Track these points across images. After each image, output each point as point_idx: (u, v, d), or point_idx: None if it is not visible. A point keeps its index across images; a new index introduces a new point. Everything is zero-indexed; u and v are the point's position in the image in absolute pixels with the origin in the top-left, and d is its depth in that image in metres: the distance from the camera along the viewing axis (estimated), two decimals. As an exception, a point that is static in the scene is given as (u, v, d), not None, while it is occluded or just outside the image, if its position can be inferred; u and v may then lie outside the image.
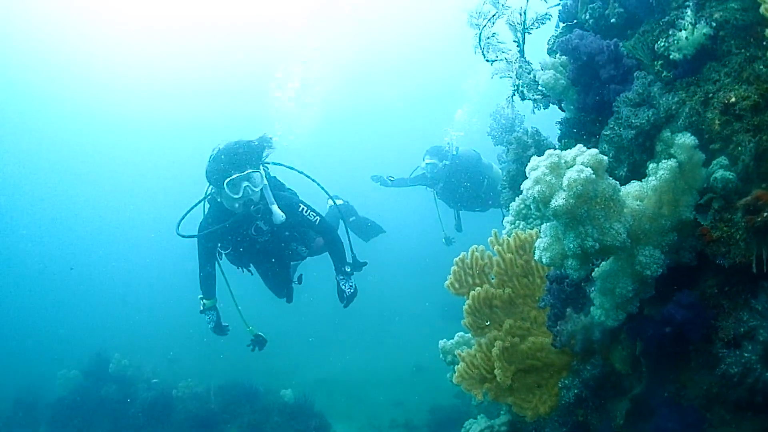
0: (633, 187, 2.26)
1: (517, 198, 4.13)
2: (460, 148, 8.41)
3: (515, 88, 3.41)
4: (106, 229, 35.37)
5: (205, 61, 31.29)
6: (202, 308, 5.79)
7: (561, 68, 3.10)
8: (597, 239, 2.02)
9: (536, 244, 2.18)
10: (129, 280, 28.41)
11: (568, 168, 2.02)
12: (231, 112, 31.46)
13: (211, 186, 5.34)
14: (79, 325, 21.38)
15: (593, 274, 2.35)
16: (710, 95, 2.41)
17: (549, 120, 3.56)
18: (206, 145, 5.41)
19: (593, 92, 2.89)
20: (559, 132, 3.41)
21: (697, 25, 2.51)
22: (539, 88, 3.25)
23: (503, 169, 8.31)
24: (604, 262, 2.32)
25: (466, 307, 3.04)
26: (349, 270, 5.74)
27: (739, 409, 2.19)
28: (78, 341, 15.90)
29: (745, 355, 1.96)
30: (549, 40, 3.58)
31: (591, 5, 3.20)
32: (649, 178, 2.21)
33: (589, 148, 2.11)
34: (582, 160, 2.02)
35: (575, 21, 3.39)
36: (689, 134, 2.22)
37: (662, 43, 2.69)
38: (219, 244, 5.59)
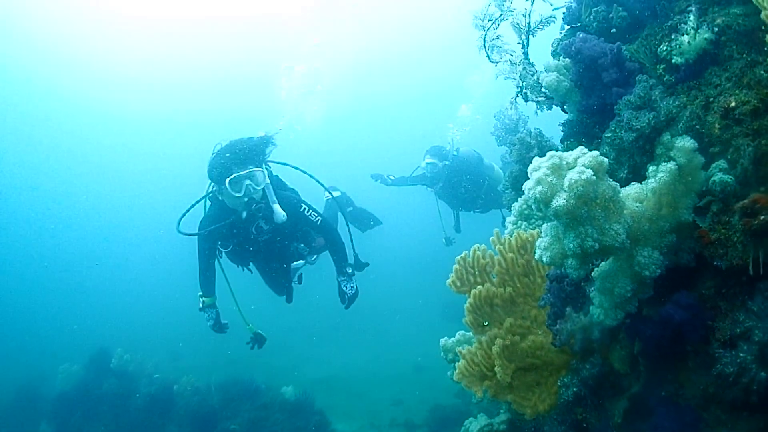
0: (633, 189, 2.29)
1: (519, 198, 4.17)
2: (462, 148, 8.42)
3: (519, 89, 3.44)
4: (111, 226, 35.47)
5: (209, 57, 31.26)
6: (201, 306, 5.79)
7: (564, 71, 3.14)
8: (597, 239, 2.06)
9: (537, 244, 2.21)
10: (132, 277, 28.52)
11: (570, 169, 2.06)
12: (236, 107, 31.52)
13: (212, 184, 5.33)
14: (82, 322, 21.47)
15: (593, 273, 2.38)
16: (711, 99, 2.45)
17: (553, 121, 3.59)
18: (211, 141, 5.43)
19: (596, 95, 2.93)
20: (562, 133, 3.45)
21: (699, 30, 2.54)
22: (542, 90, 3.29)
23: (504, 168, 8.37)
24: (603, 263, 2.36)
25: (467, 305, 3.09)
26: (350, 271, 5.75)
27: (735, 409, 2.22)
28: (80, 337, 15.99)
29: (741, 355, 1.99)
30: (553, 43, 3.61)
31: (595, 8, 3.23)
32: (649, 181, 2.25)
33: (591, 150, 2.14)
34: (583, 162, 2.05)
35: (579, 24, 3.42)
36: (689, 138, 2.25)
37: (664, 47, 2.72)
38: (219, 243, 5.59)
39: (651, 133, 2.35)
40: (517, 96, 3.46)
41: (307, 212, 5.56)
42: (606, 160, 2.10)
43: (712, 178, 2.20)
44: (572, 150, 2.16)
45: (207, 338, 6.06)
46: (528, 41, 3.42)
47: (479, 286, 3.11)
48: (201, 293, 5.76)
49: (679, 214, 2.23)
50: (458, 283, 3.30)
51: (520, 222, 4.04)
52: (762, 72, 2.35)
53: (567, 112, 3.37)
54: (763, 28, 2.27)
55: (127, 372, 10.92)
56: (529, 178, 2.10)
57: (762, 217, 1.93)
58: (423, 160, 8.32)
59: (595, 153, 2.08)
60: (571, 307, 2.68)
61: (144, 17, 27.99)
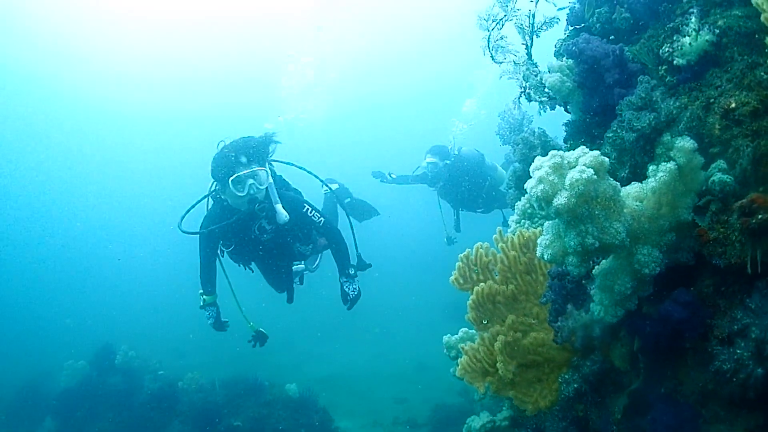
0: (633, 188, 2.33)
1: (522, 197, 4.20)
2: (463, 148, 8.40)
3: (522, 89, 3.48)
4: (116, 222, 35.58)
5: (211, 54, 31.06)
6: (202, 304, 5.79)
7: (567, 71, 3.18)
8: (597, 237, 2.10)
9: (538, 241, 2.25)
10: (137, 274, 28.61)
11: (571, 168, 2.10)
12: (239, 104, 31.48)
13: (215, 183, 5.32)
14: (86, 318, 21.56)
15: (593, 271, 2.42)
16: (711, 100, 2.48)
17: (557, 121, 3.63)
18: (216, 137, 5.43)
19: (598, 95, 2.96)
20: (565, 133, 3.49)
21: (701, 32, 2.57)
22: (546, 90, 3.33)
23: (505, 166, 8.37)
24: (604, 261, 2.39)
25: (470, 302, 3.13)
26: (353, 272, 5.74)
27: (733, 406, 2.25)
28: (85, 334, 16.04)
29: (738, 351, 2.03)
30: (556, 44, 3.65)
31: (598, 10, 3.27)
32: (649, 180, 2.29)
33: (593, 149, 2.18)
34: (584, 161, 2.09)
35: (583, 25, 3.46)
36: (688, 138, 2.29)
37: (666, 49, 2.75)
38: (221, 242, 5.58)
39: (651, 134, 2.38)
40: (521, 96, 3.50)
41: (310, 213, 5.55)
42: (607, 159, 2.14)
43: (712, 178, 2.24)
44: (575, 150, 2.20)
45: (211, 335, 6.08)
46: (532, 42, 3.45)
47: (482, 284, 3.15)
48: (202, 291, 5.77)
49: (678, 213, 2.27)
50: (461, 281, 3.34)
51: (523, 221, 4.07)
52: (762, 74, 2.38)
53: (570, 113, 3.41)
54: (763, 30, 2.30)
55: (131, 368, 10.99)
56: (531, 177, 2.14)
57: (760, 216, 1.96)
58: (424, 159, 8.30)
59: (596, 153, 2.12)
60: (572, 304, 2.72)
61: (144, 13, 27.74)
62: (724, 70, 2.55)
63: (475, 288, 3.14)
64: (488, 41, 3.50)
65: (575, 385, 2.89)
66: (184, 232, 5.32)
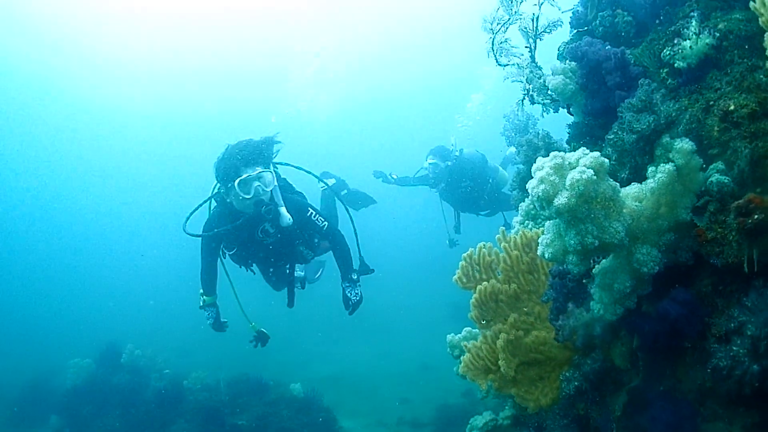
0: (633, 189, 2.38)
1: (526, 198, 4.24)
2: (465, 149, 8.35)
3: (526, 92, 3.53)
4: (122, 222, 35.67)
5: (213, 51, 30.79)
6: (202, 304, 5.80)
7: (570, 74, 3.22)
8: (597, 237, 2.14)
9: (539, 240, 2.30)
10: (143, 273, 28.67)
11: (572, 169, 2.15)
12: (245, 96, 31.37)
13: (219, 185, 5.30)
14: (93, 317, 21.65)
15: (593, 270, 2.47)
16: (711, 103, 2.52)
17: (561, 123, 3.67)
18: (224, 132, 5.42)
19: (600, 98, 3.01)
20: (568, 135, 3.53)
21: (701, 35, 2.61)
22: (549, 92, 3.37)
23: (502, 165, 8.35)
24: (604, 260, 2.44)
25: (473, 300, 3.17)
26: (355, 277, 5.72)
27: (730, 403, 2.29)
28: (91, 332, 16.11)
29: (734, 348, 2.07)
30: (560, 46, 3.69)
31: (601, 13, 3.31)
32: (648, 181, 2.33)
33: (595, 151, 2.23)
34: (584, 162, 2.14)
35: (586, 28, 3.50)
36: (687, 140, 2.33)
37: (668, 52, 2.79)
38: (223, 244, 5.57)
39: (651, 135, 2.43)
40: (524, 98, 3.54)
41: (314, 217, 5.55)
42: (606, 160, 2.18)
43: (710, 179, 2.28)
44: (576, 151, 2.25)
45: (216, 335, 6.10)
46: (535, 45, 3.50)
47: (485, 283, 3.20)
48: (202, 291, 5.78)
49: (677, 213, 2.31)
50: (464, 280, 3.39)
51: (527, 222, 4.10)
52: (762, 76, 2.42)
53: (573, 115, 3.45)
54: (763, 33, 2.33)
55: (137, 367, 11.04)
56: (532, 177, 2.19)
57: (756, 217, 2.00)
58: (425, 160, 8.27)
59: (596, 154, 2.17)
60: (573, 302, 2.76)
61: (145, 10, 27.33)
62: (724, 73, 2.59)
63: (478, 287, 3.19)
64: (492, 44, 3.55)
65: (576, 383, 2.94)
66: (189, 234, 5.32)
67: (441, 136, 8.55)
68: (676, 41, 2.76)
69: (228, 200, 5.27)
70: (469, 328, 4.12)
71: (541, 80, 3.43)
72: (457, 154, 8.20)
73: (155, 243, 31.33)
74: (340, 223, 6.65)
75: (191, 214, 5.44)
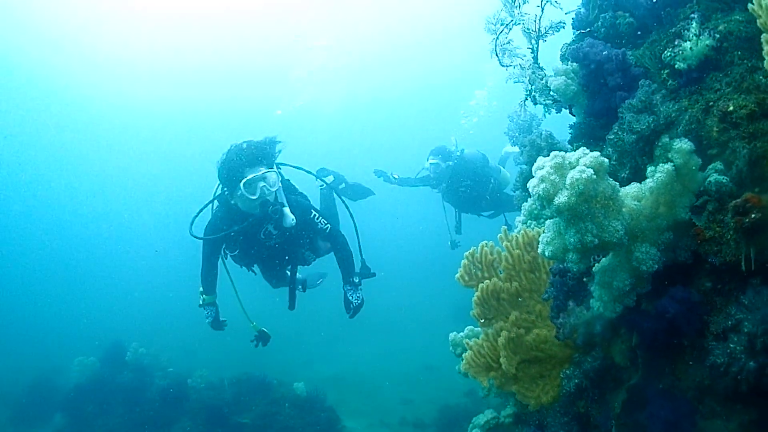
0: (632, 188, 2.41)
1: (529, 198, 4.27)
2: (466, 149, 8.33)
3: (528, 92, 3.56)
4: (126, 220, 35.72)
5: (214, 49, 30.60)
6: (201, 302, 5.79)
7: (572, 75, 3.25)
8: (596, 235, 2.18)
9: (540, 239, 2.33)
10: (148, 272, 28.72)
11: (572, 168, 2.18)
12: (247, 92, 31.25)
13: (223, 187, 5.28)
14: (98, 316, 21.71)
15: (593, 268, 2.50)
16: (711, 104, 2.55)
17: (564, 123, 3.69)
18: (228, 128, 5.39)
19: (601, 98, 3.04)
20: (570, 135, 3.56)
21: (701, 37, 2.64)
22: (551, 93, 3.40)
23: (500, 162, 8.33)
24: (604, 258, 2.47)
25: (474, 298, 3.21)
26: (357, 281, 5.71)
27: (728, 400, 2.32)
28: (96, 331, 16.14)
29: (731, 345, 2.10)
30: (562, 48, 3.72)
31: (602, 15, 3.34)
32: (647, 180, 2.36)
33: (596, 151, 2.26)
34: (584, 162, 2.17)
35: (588, 29, 3.53)
36: (686, 140, 2.36)
37: (668, 53, 2.82)
38: (225, 245, 5.57)
39: (650, 136, 2.46)
40: (526, 99, 3.57)
41: (317, 218, 5.55)
42: (606, 160, 2.22)
43: (708, 179, 2.31)
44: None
45: (219, 334, 6.12)
46: (538, 46, 3.53)
47: (486, 281, 3.23)
48: (202, 290, 5.78)
49: (676, 212, 2.34)
50: (466, 278, 3.42)
51: (529, 221, 4.13)
52: (761, 77, 2.44)
53: (574, 115, 3.48)
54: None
55: (141, 365, 11.06)
56: (533, 176, 2.23)
57: (753, 216, 2.03)
58: (427, 160, 8.26)
59: (596, 153, 2.20)
60: (573, 300, 2.79)
61: (145, 7, 27.16)
62: (725, 74, 2.62)
63: (480, 285, 3.22)
64: (495, 45, 3.58)
65: (576, 381, 2.97)
66: (195, 237, 5.32)
67: (444, 134, 8.52)
68: (676, 43, 2.78)
69: (232, 202, 5.25)
70: (471, 327, 4.16)
71: (543, 81, 3.47)
72: (459, 154, 8.19)
73: (162, 241, 31.31)
74: (341, 223, 6.64)
75: (195, 216, 5.42)
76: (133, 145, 35.26)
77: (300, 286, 6.20)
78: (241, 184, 4.98)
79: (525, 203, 4.27)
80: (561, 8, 3.61)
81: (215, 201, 5.57)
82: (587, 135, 3.31)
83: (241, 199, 5.11)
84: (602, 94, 3.03)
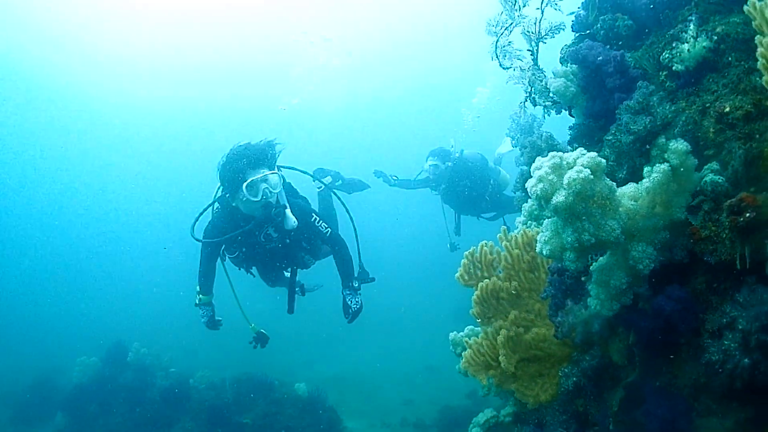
0: (629, 188, 2.44)
1: (529, 199, 4.30)
2: (465, 151, 8.33)
3: (528, 94, 3.59)
4: (127, 220, 35.73)
5: (218, 44, 30.51)
6: (197, 302, 5.78)
7: (572, 76, 3.28)
8: (593, 234, 2.21)
9: (538, 238, 2.37)
10: (150, 272, 28.72)
11: (569, 168, 2.21)
12: (249, 89, 31.18)
13: (224, 189, 5.25)
14: (100, 316, 21.73)
15: (591, 267, 2.53)
16: (707, 105, 2.58)
17: (565, 125, 3.72)
18: (230, 127, 5.39)
19: (600, 100, 3.07)
20: (569, 136, 3.59)
21: (698, 39, 2.68)
22: (550, 95, 3.43)
23: (496, 162, 8.32)
24: (601, 257, 2.50)
25: (474, 297, 3.24)
26: (356, 285, 5.70)
27: (724, 398, 2.35)
28: (98, 331, 16.16)
29: (726, 343, 2.13)
30: (562, 50, 3.75)
31: (602, 17, 3.37)
32: (644, 180, 2.40)
33: (594, 152, 2.29)
34: (582, 162, 2.20)
35: (588, 31, 3.56)
36: (682, 140, 2.39)
37: (666, 55, 2.86)
38: (224, 247, 5.57)
39: (647, 136, 2.49)
40: (526, 100, 3.61)
41: (318, 222, 5.55)
42: (603, 160, 2.25)
43: (704, 179, 2.34)
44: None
45: (221, 334, 6.13)
46: (537, 48, 3.56)
47: (486, 280, 3.26)
48: (198, 290, 5.77)
49: (672, 212, 2.37)
50: (466, 277, 3.46)
51: (529, 222, 4.16)
52: (758, 78, 2.47)
53: (574, 117, 3.51)
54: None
55: (143, 365, 11.05)
56: (531, 177, 2.26)
57: (747, 215, 2.06)
58: (426, 161, 8.26)
59: (594, 154, 2.23)
60: (571, 299, 2.82)
61: (146, 5, 27.01)
62: (722, 75, 2.65)
63: (480, 284, 3.25)
64: (496, 47, 3.62)
65: (575, 379, 3.00)
66: (197, 240, 5.32)
67: (445, 133, 8.47)
68: (674, 44, 2.82)
69: (234, 204, 5.24)
70: (471, 327, 4.19)
71: (543, 83, 3.50)
72: (458, 155, 8.19)
73: (164, 240, 31.30)
74: (340, 226, 6.64)
75: (197, 219, 5.39)
76: (135, 143, 35.26)
77: (299, 289, 6.17)
78: (244, 186, 4.98)
79: (525, 204, 4.30)
80: (561, 10, 3.64)
81: (216, 203, 5.57)
82: (586, 136, 3.34)
83: (243, 201, 5.09)
84: (601, 95, 3.06)
